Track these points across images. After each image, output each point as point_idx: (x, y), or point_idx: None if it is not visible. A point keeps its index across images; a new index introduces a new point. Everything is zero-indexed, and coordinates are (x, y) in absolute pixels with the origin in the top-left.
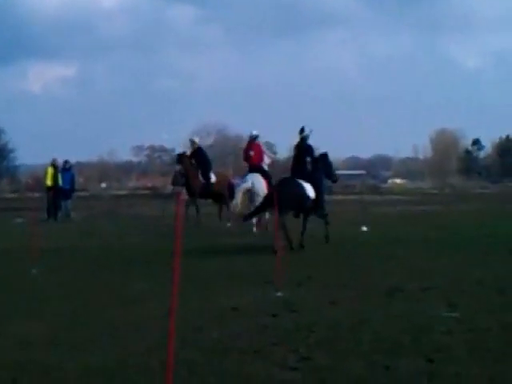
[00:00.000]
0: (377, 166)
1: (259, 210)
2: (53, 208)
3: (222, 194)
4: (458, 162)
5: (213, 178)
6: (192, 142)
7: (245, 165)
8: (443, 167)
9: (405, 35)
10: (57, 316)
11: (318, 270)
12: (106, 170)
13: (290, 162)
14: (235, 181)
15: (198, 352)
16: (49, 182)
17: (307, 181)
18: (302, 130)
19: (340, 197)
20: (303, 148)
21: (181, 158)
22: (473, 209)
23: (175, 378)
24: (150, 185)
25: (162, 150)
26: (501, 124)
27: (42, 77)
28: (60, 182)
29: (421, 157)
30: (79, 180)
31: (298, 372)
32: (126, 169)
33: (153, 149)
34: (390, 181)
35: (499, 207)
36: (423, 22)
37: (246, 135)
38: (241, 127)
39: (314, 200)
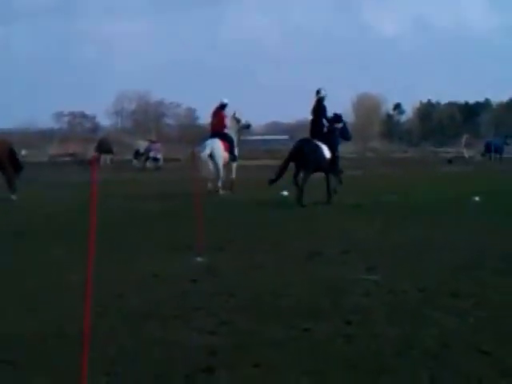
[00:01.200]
0: (299, 131)
1: (282, 171)
2: None
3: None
4: (379, 126)
5: None
6: None
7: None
8: (365, 131)
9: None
10: None
11: (238, 234)
12: (26, 138)
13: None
14: (155, 145)
15: (117, 319)
16: None
17: (323, 141)
18: (318, 92)
19: (263, 161)
20: (320, 109)
21: None
22: (393, 173)
23: (92, 346)
24: (71, 151)
25: (83, 116)
26: (421, 88)
27: None
28: None
29: None
30: None
31: (216, 336)
32: (47, 136)
33: (73, 115)
34: None
35: (418, 171)
36: None
37: (167, 101)
38: (162, 93)
39: (330, 159)
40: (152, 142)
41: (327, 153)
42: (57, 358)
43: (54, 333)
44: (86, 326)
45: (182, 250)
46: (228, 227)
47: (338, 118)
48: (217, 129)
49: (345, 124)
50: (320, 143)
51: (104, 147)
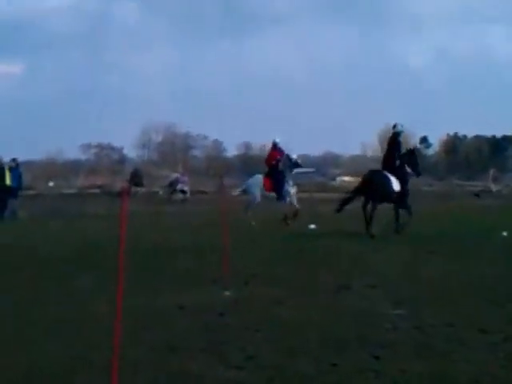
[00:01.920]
0: (326, 164)
1: (349, 200)
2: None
3: None
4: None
5: None
6: None
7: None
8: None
9: (348, 32)
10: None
11: (265, 267)
12: (54, 169)
13: (237, 160)
14: (183, 177)
15: (144, 350)
16: None
17: (394, 174)
18: (394, 126)
19: None
20: (394, 143)
21: None
22: (420, 206)
23: (120, 377)
24: (98, 183)
25: (110, 148)
26: (448, 121)
27: None
28: (8, 180)
29: (369, 154)
30: (27, 178)
31: (244, 371)
32: (75, 167)
33: (101, 147)
34: (338, 178)
35: (445, 205)
36: (367, 19)
37: (194, 133)
38: (189, 125)
39: (398, 192)
40: (181, 174)
41: (396, 185)
42: None
43: (81, 363)
44: (115, 357)
45: (209, 282)
46: (255, 260)
47: (412, 152)
48: (268, 165)
49: (417, 160)
50: (389, 175)
51: (137, 179)
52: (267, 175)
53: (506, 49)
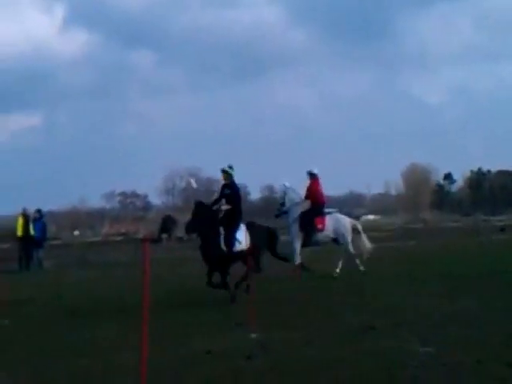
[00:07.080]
0: (349, 204)
1: None
2: (25, 258)
3: None
4: (430, 196)
5: None
6: None
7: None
8: (416, 202)
9: (364, 73)
10: (25, 367)
11: (289, 309)
12: (78, 218)
13: (261, 203)
14: None
15: None
16: (19, 233)
17: None
18: None
19: None
20: None
21: None
22: (444, 243)
23: None
24: (123, 230)
25: (134, 195)
26: (471, 157)
27: (6, 127)
28: (31, 231)
29: (393, 192)
30: (52, 229)
31: None
32: (99, 216)
33: (125, 195)
34: (362, 218)
35: (469, 240)
36: (381, 60)
37: (217, 177)
38: (213, 170)
39: None
40: None
41: None
42: None
43: None
44: None
45: (234, 326)
46: (278, 302)
47: None
48: (320, 201)
49: None
50: None
51: (169, 225)
52: (317, 213)
53: None
